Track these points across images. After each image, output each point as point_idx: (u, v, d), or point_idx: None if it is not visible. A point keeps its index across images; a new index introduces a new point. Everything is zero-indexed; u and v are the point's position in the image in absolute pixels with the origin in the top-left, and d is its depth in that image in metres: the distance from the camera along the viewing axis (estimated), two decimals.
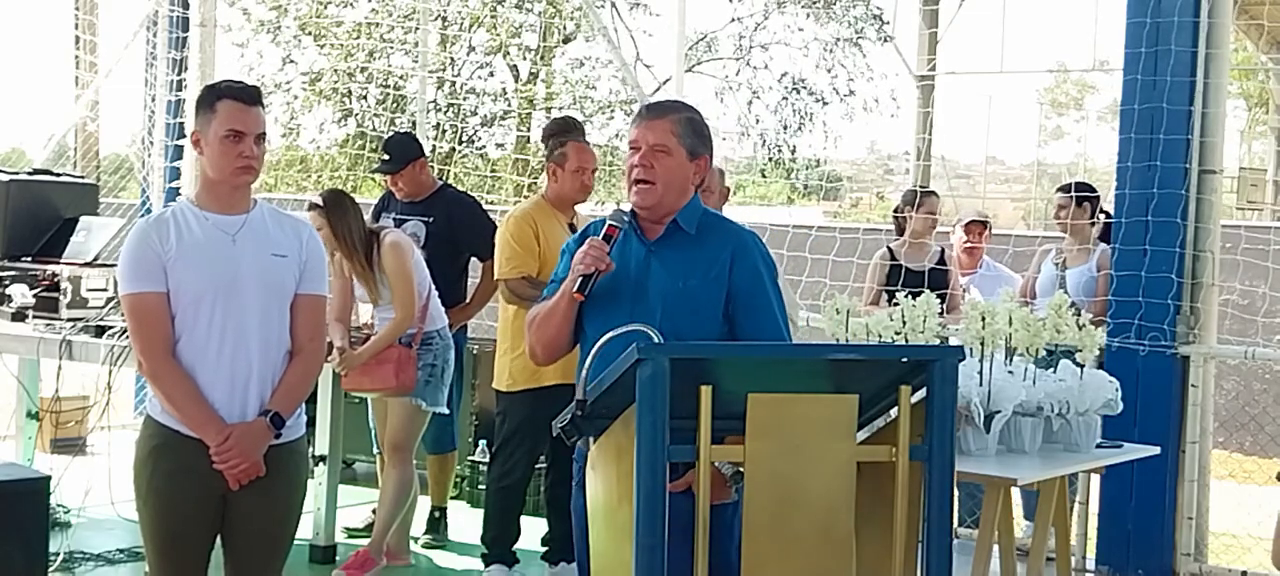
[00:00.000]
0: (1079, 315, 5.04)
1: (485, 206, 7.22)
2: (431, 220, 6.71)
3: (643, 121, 3.67)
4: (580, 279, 3.56)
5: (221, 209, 3.84)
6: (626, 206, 3.73)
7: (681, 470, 3.21)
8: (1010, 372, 4.85)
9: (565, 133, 6.14)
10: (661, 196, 3.64)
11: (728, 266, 3.65)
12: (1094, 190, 7.61)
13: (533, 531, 6.25)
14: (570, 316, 3.63)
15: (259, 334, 3.82)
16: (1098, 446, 5.06)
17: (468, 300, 6.81)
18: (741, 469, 3.28)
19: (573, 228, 6.00)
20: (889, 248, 7.86)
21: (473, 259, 6.86)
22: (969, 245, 8.11)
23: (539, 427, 5.84)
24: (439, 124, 19.07)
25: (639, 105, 3.80)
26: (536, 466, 6.22)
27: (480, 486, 7.52)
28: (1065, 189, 7.58)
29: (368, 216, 6.60)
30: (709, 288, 3.64)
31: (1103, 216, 7.38)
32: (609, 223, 3.63)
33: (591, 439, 3.45)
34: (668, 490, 3.10)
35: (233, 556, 3.92)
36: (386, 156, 6.83)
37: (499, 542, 6.03)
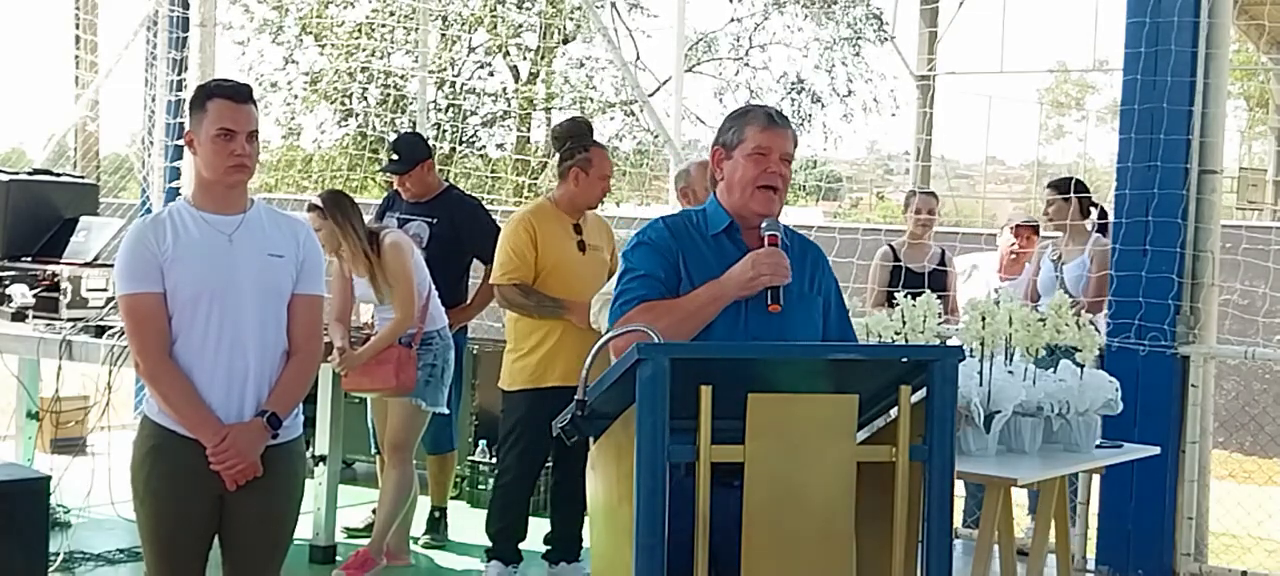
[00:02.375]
0: (1079, 315, 5.04)
1: (485, 207, 7.23)
2: (435, 221, 6.72)
3: (774, 129, 3.63)
4: (770, 291, 3.53)
5: (218, 209, 3.84)
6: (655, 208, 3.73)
7: (684, 470, 3.19)
8: (1010, 372, 4.85)
9: (584, 136, 6.04)
10: (782, 205, 3.68)
11: (818, 272, 3.73)
12: (1083, 187, 7.53)
13: (536, 531, 6.24)
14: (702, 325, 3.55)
15: (256, 334, 3.81)
16: (1098, 446, 5.06)
17: (469, 301, 6.82)
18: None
19: (579, 229, 6.00)
20: (891, 247, 7.85)
21: (475, 260, 6.87)
22: (1017, 250, 7.80)
23: (536, 428, 5.85)
24: (439, 124, 19.09)
25: (766, 110, 3.69)
26: (543, 466, 6.21)
27: (480, 486, 7.53)
28: (1053, 186, 7.51)
29: (371, 216, 6.61)
30: (814, 295, 3.70)
31: (1095, 211, 7.35)
32: (769, 232, 3.59)
33: (591, 439, 3.45)
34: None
35: (231, 557, 3.91)
36: (395, 156, 6.84)
37: (501, 539, 6.02)
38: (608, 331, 3.55)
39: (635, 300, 3.57)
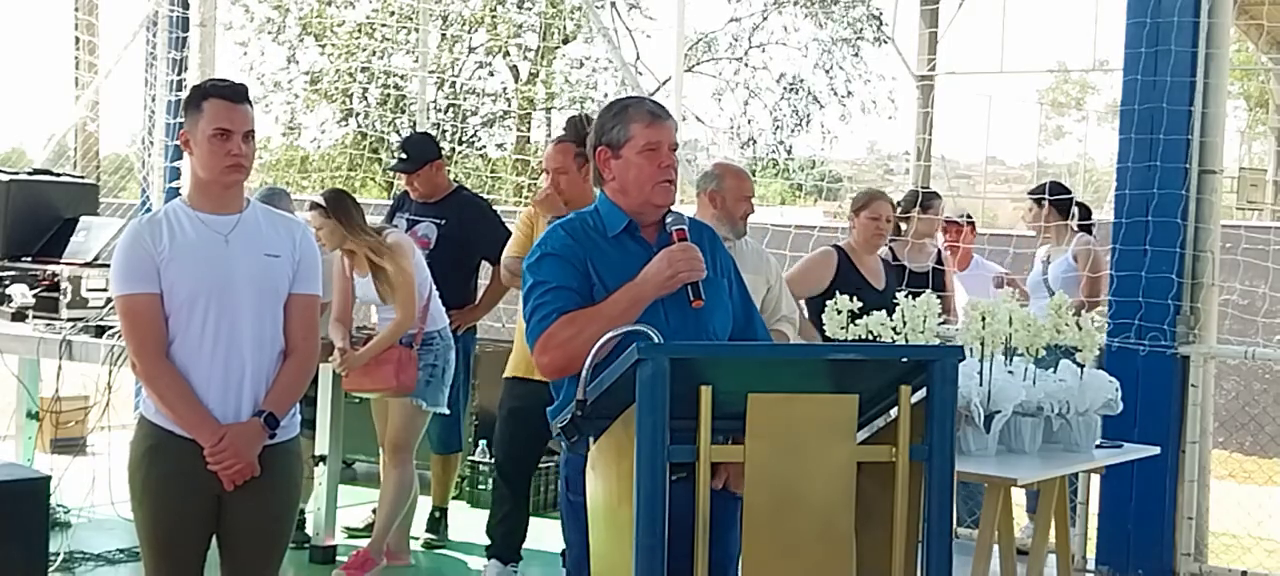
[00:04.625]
0: (1079, 314, 5.05)
1: (495, 208, 7.21)
2: (443, 221, 6.72)
3: (660, 122, 3.60)
4: (690, 287, 3.49)
5: (214, 209, 3.83)
6: (556, 208, 3.65)
7: (686, 469, 3.18)
8: (1010, 372, 4.85)
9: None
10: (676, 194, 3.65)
11: (717, 252, 3.69)
12: (1064, 190, 7.62)
13: (539, 531, 6.23)
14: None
15: (253, 334, 3.81)
16: (1098, 446, 5.06)
17: (476, 301, 6.82)
18: None
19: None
20: (891, 248, 7.84)
21: (484, 261, 6.84)
22: (949, 246, 8.05)
23: (510, 415, 5.82)
24: (439, 124, 19.08)
25: (646, 103, 3.67)
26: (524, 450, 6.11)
27: (480, 486, 7.53)
28: (1031, 194, 7.73)
29: (382, 217, 6.62)
30: (721, 278, 3.66)
31: (1077, 210, 7.46)
32: (677, 227, 3.55)
33: (591, 439, 3.44)
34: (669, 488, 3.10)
35: (229, 557, 3.92)
36: (404, 155, 6.83)
37: (500, 536, 5.99)
38: (531, 350, 3.52)
39: (554, 314, 3.48)
